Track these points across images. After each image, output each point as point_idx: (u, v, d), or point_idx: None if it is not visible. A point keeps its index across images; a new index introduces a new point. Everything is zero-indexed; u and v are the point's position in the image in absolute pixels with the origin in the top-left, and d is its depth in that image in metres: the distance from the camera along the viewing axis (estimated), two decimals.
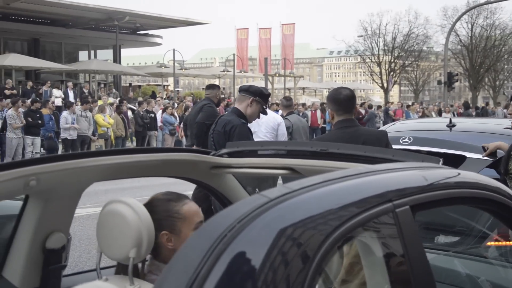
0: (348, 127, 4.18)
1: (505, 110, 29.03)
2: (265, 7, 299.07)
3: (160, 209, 2.12)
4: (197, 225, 2.12)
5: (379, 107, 29.37)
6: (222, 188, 2.78)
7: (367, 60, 51.86)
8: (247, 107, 4.98)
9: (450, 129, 5.58)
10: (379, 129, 5.71)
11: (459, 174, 2.00)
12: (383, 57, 51.06)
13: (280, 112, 22.40)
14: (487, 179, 2.06)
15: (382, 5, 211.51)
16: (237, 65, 42.28)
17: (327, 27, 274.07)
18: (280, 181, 6.55)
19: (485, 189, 1.99)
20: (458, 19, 37.78)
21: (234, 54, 40.40)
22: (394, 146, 4.93)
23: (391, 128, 6.24)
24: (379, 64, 50.81)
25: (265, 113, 5.15)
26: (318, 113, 24.29)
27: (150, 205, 2.14)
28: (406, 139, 5.05)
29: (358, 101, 61.67)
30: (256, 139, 6.11)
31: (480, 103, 51.65)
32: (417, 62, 55.85)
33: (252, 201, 1.42)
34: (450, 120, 5.64)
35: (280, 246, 1.30)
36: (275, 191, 1.46)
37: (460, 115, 25.57)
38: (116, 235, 1.98)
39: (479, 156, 4.59)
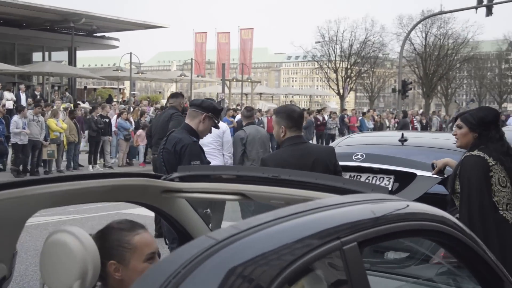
0: (298, 144, 4.27)
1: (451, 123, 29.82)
2: (224, 11, 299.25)
3: (111, 237, 2.09)
4: (148, 256, 2.08)
5: (333, 113, 29.69)
6: (174, 212, 2.75)
7: (324, 66, 52.45)
8: (199, 124, 4.79)
9: (402, 144, 5.67)
10: (334, 141, 5.72)
11: (407, 206, 2.02)
12: (339, 64, 51.72)
13: (237, 117, 22.48)
14: (435, 209, 2.09)
15: (339, 13, 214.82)
16: (194, 69, 42.09)
17: (285, 33, 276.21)
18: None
19: (433, 221, 2.02)
20: (413, 28, 38.59)
21: (191, 59, 40.20)
22: (347, 163, 4.99)
23: (344, 142, 6.31)
24: (335, 71, 51.44)
25: (217, 127, 5.03)
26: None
27: (103, 233, 2.11)
28: (359, 156, 5.10)
29: (315, 107, 62.33)
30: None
31: (433, 110, 52.88)
32: (373, 69, 56.79)
33: (199, 244, 1.40)
34: (402, 134, 5.74)
35: None
36: (223, 232, 1.45)
37: (397, 123, 26.00)
38: (60, 267, 1.93)
39: (429, 174, 4.67)
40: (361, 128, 26.85)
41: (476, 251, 2.12)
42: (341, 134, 26.99)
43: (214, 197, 2.66)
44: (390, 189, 4.86)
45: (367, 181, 4.97)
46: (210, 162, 5.09)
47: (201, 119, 4.79)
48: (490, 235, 3.73)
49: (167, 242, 4.27)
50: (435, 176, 4.62)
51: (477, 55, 60.67)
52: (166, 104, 15.88)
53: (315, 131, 25.73)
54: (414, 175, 4.75)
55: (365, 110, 40.22)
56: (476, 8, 28.30)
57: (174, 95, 8.76)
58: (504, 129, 13.42)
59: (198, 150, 4.68)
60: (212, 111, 4.80)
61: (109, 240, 2.07)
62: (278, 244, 1.48)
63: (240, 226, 1.48)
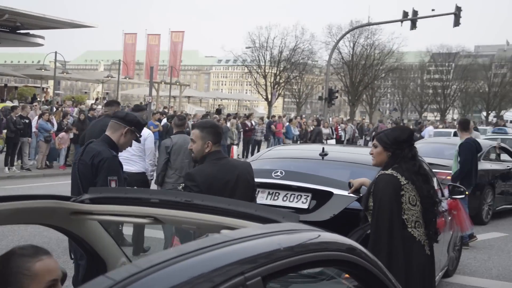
0: (221, 159, 4.31)
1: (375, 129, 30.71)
2: (155, 13, 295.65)
3: (11, 264, 2.01)
4: (49, 284, 2.02)
5: (260, 119, 29.91)
6: (83, 234, 2.68)
7: (254, 71, 52.80)
8: (121, 137, 4.62)
9: (323, 158, 5.78)
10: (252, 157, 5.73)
11: (319, 236, 2.05)
12: (269, 70, 52.21)
13: (164, 121, 22.20)
14: (344, 239, 2.13)
15: (271, 19, 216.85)
16: (122, 70, 41.37)
17: (216, 37, 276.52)
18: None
19: (341, 251, 2.05)
20: (342, 37, 39.54)
21: (120, 60, 39.47)
22: (266, 180, 5.02)
23: (267, 154, 6.36)
24: (264, 77, 51.88)
25: (139, 141, 4.91)
26: None
27: (3, 258, 2.02)
28: (278, 173, 5.15)
29: (244, 111, 62.50)
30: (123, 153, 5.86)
31: (358, 117, 54.28)
32: (301, 76, 57.71)
33: (96, 285, 1.36)
34: (323, 149, 5.84)
35: None
36: (123, 272, 1.42)
37: (311, 132, 26.54)
38: None
39: (345, 193, 4.77)
40: (287, 135, 27.17)
41: (381, 279, 2.18)
42: (267, 140, 27.22)
43: (126, 220, 2.61)
44: (307, 207, 4.92)
45: (285, 198, 5.03)
46: (127, 178, 4.94)
47: (123, 132, 4.63)
48: (396, 250, 3.92)
49: (73, 257, 4.13)
50: (351, 195, 4.74)
51: (401, 66, 62.88)
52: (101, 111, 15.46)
53: (242, 136, 25.82)
54: (331, 193, 4.84)
55: (292, 116, 40.76)
56: (401, 21, 29.35)
57: (109, 103, 8.57)
58: (420, 142, 13.84)
59: (117, 166, 4.53)
60: (136, 125, 4.66)
61: (9, 266, 1.99)
62: (179, 283, 1.46)
63: (141, 265, 1.45)
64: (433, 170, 9.44)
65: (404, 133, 4.27)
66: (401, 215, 3.98)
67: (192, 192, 3.88)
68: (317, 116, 41.51)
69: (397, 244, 3.91)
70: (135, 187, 6.93)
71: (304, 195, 4.99)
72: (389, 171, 4.08)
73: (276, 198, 5.06)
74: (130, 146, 4.84)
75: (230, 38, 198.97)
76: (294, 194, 5.02)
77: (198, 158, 4.28)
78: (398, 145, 4.15)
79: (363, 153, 6.92)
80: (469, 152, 9.73)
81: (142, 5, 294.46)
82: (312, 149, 6.66)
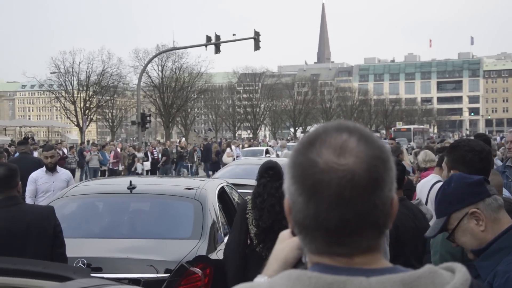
0: (13, 205, 3.99)
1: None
2: None
3: None
4: None
5: (72, 147, 28.74)
6: None
7: (61, 97, 50.61)
8: None
9: (131, 191, 5.71)
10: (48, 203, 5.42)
11: None
12: (77, 95, 50.41)
13: None
14: None
15: (74, 44, 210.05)
16: None
17: (17, 61, 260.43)
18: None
19: None
20: (149, 61, 39.53)
21: None
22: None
23: (72, 191, 6.12)
24: (73, 102, 49.99)
25: None
26: None
27: None
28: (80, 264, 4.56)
29: (55, 137, 59.45)
30: None
31: (175, 138, 54.59)
32: (113, 100, 56.53)
33: None
34: (130, 182, 5.77)
35: None
36: None
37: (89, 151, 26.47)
38: None
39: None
40: (103, 162, 26.38)
41: None
42: (81, 168, 26.18)
43: None
44: None
45: None
46: None
47: None
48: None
49: None
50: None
51: (211, 87, 64.60)
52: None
53: None
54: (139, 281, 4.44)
55: (108, 140, 39.74)
56: (205, 45, 30.25)
57: (23, 142, 9.51)
58: (232, 164, 14.20)
59: None
60: None
61: None
62: None
63: None
64: (245, 191, 9.86)
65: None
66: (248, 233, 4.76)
67: None
68: (133, 139, 40.94)
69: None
70: None
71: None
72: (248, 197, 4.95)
73: None
74: None
75: (31, 63, 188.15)
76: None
77: None
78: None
79: (171, 184, 6.99)
80: None
81: None
82: (120, 183, 6.55)
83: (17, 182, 4.05)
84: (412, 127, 63.09)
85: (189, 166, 30.91)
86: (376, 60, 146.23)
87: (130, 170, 25.45)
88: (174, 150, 30.69)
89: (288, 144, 30.26)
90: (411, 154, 15.11)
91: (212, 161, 28.55)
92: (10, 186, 3.98)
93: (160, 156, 28.76)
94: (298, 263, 1.28)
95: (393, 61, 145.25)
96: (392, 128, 61.46)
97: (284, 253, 1.29)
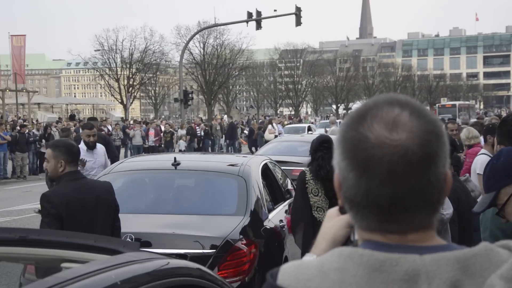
0: (79, 179, 4.26)
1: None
2: None
3: None
4: None
5: (116, 124, 29.21)
6: None
7: (105, 75, 51.34)
8: None
9: (175, 168, 5.79)
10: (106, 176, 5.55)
11: (167, 263, 2.07)
12: (121, 73, 51.02)
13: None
14: (194, 265, 2.18)
15: (117, 21, 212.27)
16: None
17: (62, 39, 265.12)
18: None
19: (191, 276, 2.11)
20: (191, 38, 39.61)
21: None
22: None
23: (118, 167, 6.23)
24: (117, 80, 50.65)
25: None
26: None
27: None
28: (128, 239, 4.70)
29: (100, 115, 60.57)
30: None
31: (216, 115, 54.86)
32: (155, 78, 57.02)
33: None
34: (175, 158, 5.85)
35: None
36: None
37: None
38: None
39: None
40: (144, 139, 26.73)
41: None
42: (124, 145, 26.61)
43: None
44: None
45: None
46: None
47: None
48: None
49: None
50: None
51: (252, 64, 64.40)
52: None
53: None
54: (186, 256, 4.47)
55: (151, 117, 40.24)
56: (246, 21, 30.13)
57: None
58: (273, 141, 14.19)
59: None
60: None
61: None
62: None
63: None
64: (288, 168, 9.89)
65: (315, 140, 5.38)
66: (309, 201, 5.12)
67: (49, 215, 3.88)
68: (176, 116, 41.28)
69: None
70: None
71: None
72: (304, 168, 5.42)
73: None
74: None
75: (76, 41, 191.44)
76: None
77: (54, 178, 4.28)
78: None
79: (215, 160, 7.05)
80: None
81: None
82: (165, 159, 6.64)
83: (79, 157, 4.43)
84: (457, 103, 61.69)
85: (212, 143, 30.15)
86: (420, 35, 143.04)
87: (168, 148, 25.65)
88: (218, 128, 30.86)
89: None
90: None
91: (254, 138, 28.52)
92: (78, 162, 4.34)
93: (202, 133, 28.99)
94: (347, 241, 1.27)
95: (437, 35, 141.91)
96: (437, 104, 60.26)
97: (333, 232, 1.28)
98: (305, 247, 4.79)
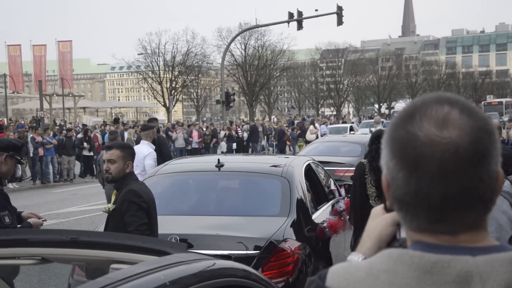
0: (137, 179, 4.56)
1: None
2: (39, 23, 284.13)
3: None
4: None
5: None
6: None
7: (148, 78, 52.09)
8: (1, 165, 4.36)
9: (219, 169, 5.82)
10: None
11: (214, 264, 2.09)
12: (163, 75, 51.67)
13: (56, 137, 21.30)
14: (239, 265, 2.19)
15: (160, 25, 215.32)
16: (10, 84, 39.59)
17: (106, 44, 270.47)
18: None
19: (236, 276, 2.12)
20: (232, 40, 39.83)
21: (5, 74, 37.65)
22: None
23: (163, 169, 6.32)
24: (160, 83, 51.33)
25: (21, 163, 4.79)
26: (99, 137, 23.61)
27: None
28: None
29: (143, 118, 61.08)
30: None
31: (258, 116, 54.98)
32: (197, 80, 57.55)
33: None
34: (219, 160, 5.88)
35: None
36: None
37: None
38: None
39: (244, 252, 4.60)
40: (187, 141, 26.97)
41: None
42: None
43: (11, 262, 2.52)
44: None
45: None
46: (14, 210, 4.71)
47: (2, 160, 4.38)
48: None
49: None
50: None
51: (294, 64, 64.31)
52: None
53: None
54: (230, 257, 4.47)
55: (193, 120, 40.60)
56: (288, 22, 30.11)
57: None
58: (315, 142, 14.02)
59: (2, 198, 4.32)
60: (13, 149, 4.49)
61: None
62: None
63: None
64: (331, 168, 9.83)
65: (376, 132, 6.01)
66: (366, 191, 5.59)
67: (141, 209, 4.15)
68: (218, 118, 41.53)
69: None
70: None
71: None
72: (363, 160, 5.82)
73: None
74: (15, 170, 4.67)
75: (120, 45, 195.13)
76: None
77: (117, 179, 4.37)
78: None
79: (258, 161, 7.07)
80: None
81: (23, 16, 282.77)
82: (208, 161, 6.69)
83: None
84: (504, 100, 60.19)
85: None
86: (465, 31, 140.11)
87: (208, 149, 25.71)
88: (260, 129, 30.77)
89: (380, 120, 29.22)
90: (504, 128, 14.47)
91: (284, 140, 27.95)
92: None
93: (244, 134, 29.03)
94: (392, 240, 1.26)
95: (483, 31, 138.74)
96: (483, 102, 58.95)
97: (378, 230, 1.27)
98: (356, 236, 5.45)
